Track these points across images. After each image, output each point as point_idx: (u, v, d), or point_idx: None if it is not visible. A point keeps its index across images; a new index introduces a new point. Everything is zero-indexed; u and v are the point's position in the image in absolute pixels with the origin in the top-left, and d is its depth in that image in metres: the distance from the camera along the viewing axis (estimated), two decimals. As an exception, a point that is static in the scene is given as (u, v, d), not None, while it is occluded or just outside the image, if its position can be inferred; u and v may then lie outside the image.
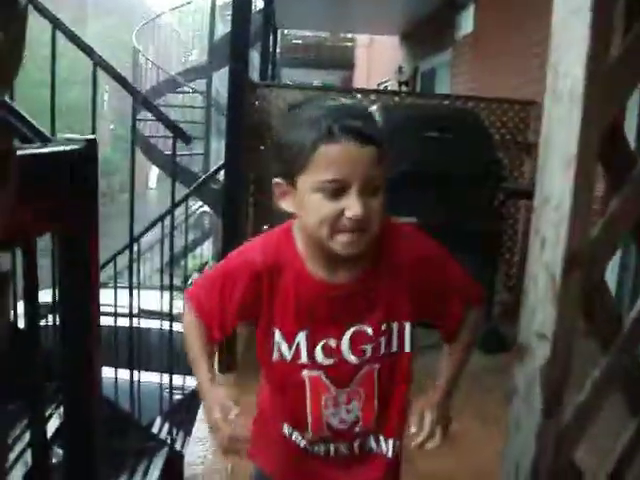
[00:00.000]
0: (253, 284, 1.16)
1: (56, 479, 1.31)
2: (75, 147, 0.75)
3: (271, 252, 1.18)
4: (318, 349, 1.18)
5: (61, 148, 0.73)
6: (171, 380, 2.88)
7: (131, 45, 9.05)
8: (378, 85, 9.80)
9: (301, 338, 1.18)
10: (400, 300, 1.18)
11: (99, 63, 1.95)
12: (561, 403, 0.56)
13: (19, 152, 0.61)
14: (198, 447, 2.63)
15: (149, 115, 9.78)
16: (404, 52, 8.87)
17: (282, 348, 1.20)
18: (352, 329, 1.17)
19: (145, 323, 3.20)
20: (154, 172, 19.15)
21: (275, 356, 1.20)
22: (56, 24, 1.98)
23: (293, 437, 1.29)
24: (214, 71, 8.76)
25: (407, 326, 1.19)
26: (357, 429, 1.25)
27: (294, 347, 1.19)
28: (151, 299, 3.21)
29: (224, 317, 1.21)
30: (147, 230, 3.50)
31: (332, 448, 1.28)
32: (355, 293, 1.17)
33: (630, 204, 0.57)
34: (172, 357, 2.82)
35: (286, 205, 1.13)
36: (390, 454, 1.26)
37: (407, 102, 4.59)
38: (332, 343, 1.18)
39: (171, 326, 2.73)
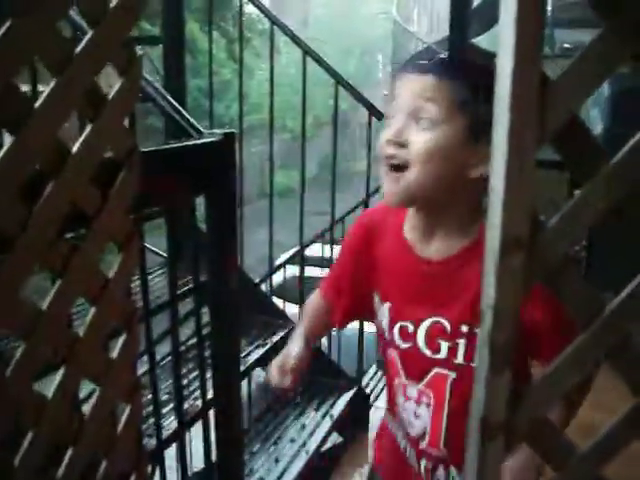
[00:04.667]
0: (361, 243, 1.14)
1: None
2: (214, 139, 1.02)
3: (380, 213, 1.13)
4: (396, 329, 1.11)
5: (202, 141, 1.02)
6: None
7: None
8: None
9: (385, 309, 1.12)
10: None
11: (307, 52, 2.30)
12: (508, 363, 0.66)
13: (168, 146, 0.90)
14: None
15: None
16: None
17: (378, 313, 1.14)
18: (431, 319, 1.06)
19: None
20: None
21: (377, 322, 1.15)
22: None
23: (397, 439, 1.22)
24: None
25: None
26: (424, 444, 1.13)
27: (382, 314, 1.13)
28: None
29: (338, 274, 1.21)
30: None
31: (407, 453, 1.18)
32: (444, 272, 1.04)
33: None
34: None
35: None
36: None
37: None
38: (410, 327, 1.09)
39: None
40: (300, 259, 2.87)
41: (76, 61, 0.64)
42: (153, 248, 2.06)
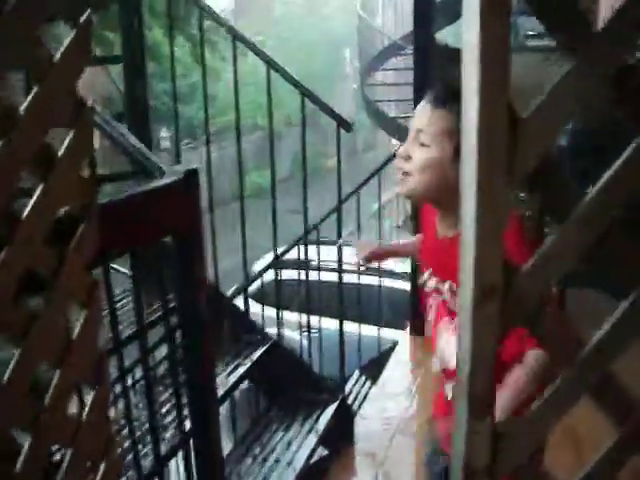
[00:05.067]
0: (422, 220, 1.53)
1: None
2: (175, 179, 0.99)
3: None
4: (436, 286, 1.41)
5: (163, 183, 0.99)
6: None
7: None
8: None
9: (427, 271, 1.45)
10: None
11: (271, 64, 2.26)
12: (489, 410, 0.64)
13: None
14: (375, 404, 2.90)
15: (377, 81, 9.87)
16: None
17: (423, 276, 1.47)
18: (449, 281, 1.36)
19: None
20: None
21: (421, 281, 1.48)
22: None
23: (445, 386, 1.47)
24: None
25: None
26: None
27: (426, 277, 1.45)
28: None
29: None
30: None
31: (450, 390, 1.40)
32: (450, 247, 1.24)
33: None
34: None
35: None
36: None
37: None
38: (440, 286, 1.40)
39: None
40: (275, 268, 2.83)
41: (21, 121, 0.61)
42: (122, 269, 2.01)
